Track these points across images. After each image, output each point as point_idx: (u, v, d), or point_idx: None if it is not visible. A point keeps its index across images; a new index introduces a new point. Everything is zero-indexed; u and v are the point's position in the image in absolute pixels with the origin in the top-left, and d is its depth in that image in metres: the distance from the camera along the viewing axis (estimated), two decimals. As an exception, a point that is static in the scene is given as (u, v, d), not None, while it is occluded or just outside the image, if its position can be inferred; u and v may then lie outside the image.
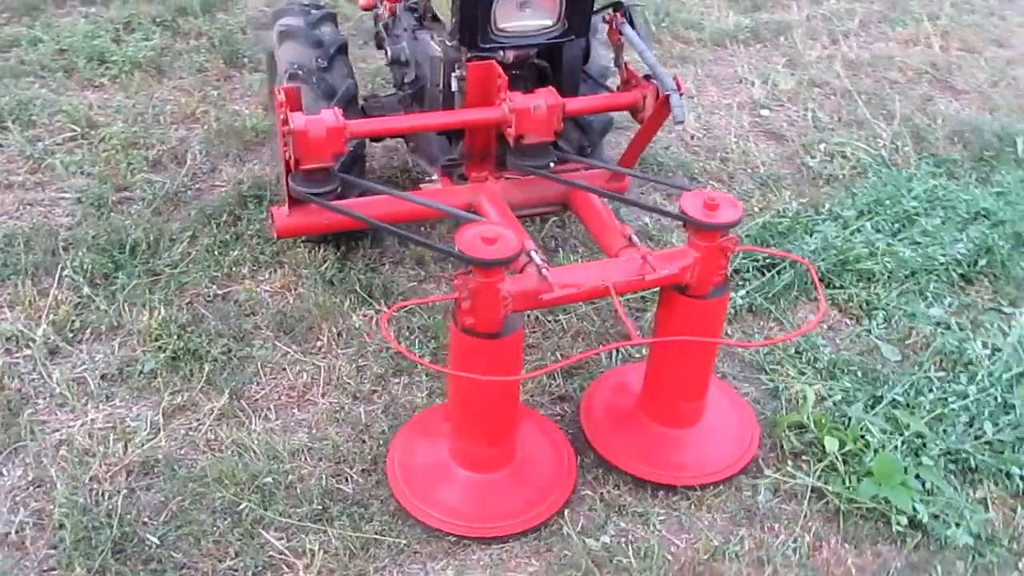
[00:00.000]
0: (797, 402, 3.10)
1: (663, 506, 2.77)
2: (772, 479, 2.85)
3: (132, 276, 3.45)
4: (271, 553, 2.55)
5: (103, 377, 3.10)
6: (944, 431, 2.99)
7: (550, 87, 2.67)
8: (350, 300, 3.43)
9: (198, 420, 2.97)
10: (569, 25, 2.76)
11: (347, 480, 2.79)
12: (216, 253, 3.61)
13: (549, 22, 2.75)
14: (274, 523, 2.64)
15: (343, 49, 3.30)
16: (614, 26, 2.84)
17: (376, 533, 2.63)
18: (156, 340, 3.20)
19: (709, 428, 2.90)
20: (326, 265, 3.56)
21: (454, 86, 2.79)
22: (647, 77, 2.82)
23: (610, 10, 2.84)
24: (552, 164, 2.73)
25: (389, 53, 3.10)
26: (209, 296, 3.44)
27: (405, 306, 2.99)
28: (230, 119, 4.45)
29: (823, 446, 2.90)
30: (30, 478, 2.73)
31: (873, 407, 3.08)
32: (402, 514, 2.67)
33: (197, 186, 4.04)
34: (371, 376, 3.15)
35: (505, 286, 2.39)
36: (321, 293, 3.45)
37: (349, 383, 3.12)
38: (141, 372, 3.10)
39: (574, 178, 2.91)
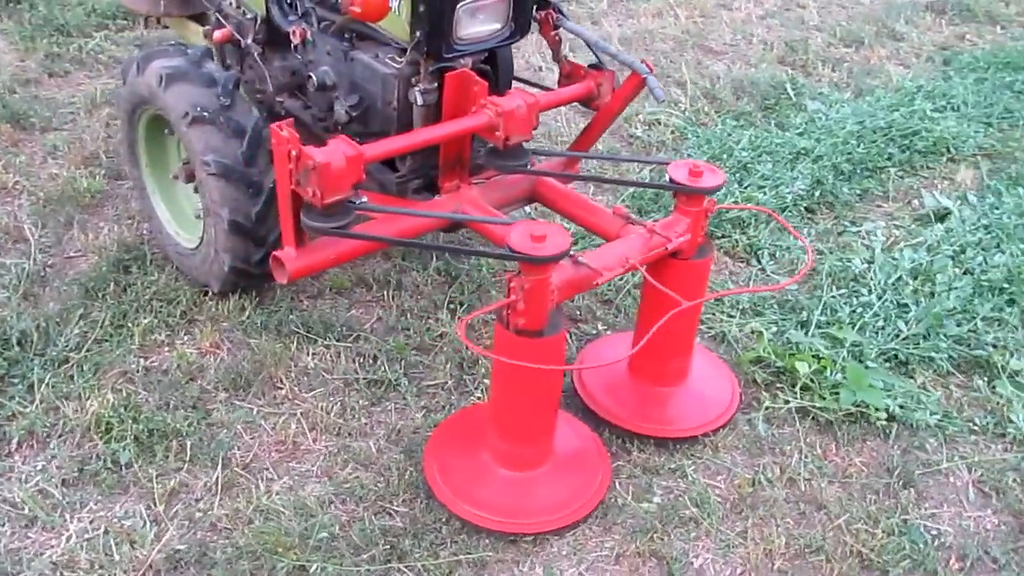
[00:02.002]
0: (742, 342, 3.40)
1: (687, 457, 2.94)
2: (763, 411, 3.12)
3: (37, 370, 3.05)
4: (363, 605, 2.43)
5: (65, 483, 2.75)
6: (871, 336, 3.42)
7: (518, 88, 2.73)
8: (295, 342, 3.27)
9: (199, 499, 2.73)
10: (515, 27, 2.83)
11: (394, 514, 2.70)
12: (120, 326, 3.28)
13: (499, 25, 2.80)
14: (353, 574, 2.51)
15: (237, 84, 3.13)
16: (549, 23, 2.94)
17: (454, 554, 2.58)
18: (109, 431, 2.88)
19: (698, 380, 3.11)
20: (248, 313, 3.36)
21: (420, 101, 2.76)
22: (593, 66, 2.96)
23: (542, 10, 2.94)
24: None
25: (314, 79, 2.98)
26: (137, 371, 3.13)
27: (479, 314, 2.86)
28: (53, 185, 4.01)
29: (791, 372, 3.22)
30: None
31: (806, 331, 3.44)
32: (470, 527, 2.64)
33: (51, 262, 3.62)
34: (356, 410, 3.04)
35: (553, 281, 2.44)
36: (261, 341, 3.26)
37: (337, 422, 3.00)
38: (109, 467, 2.78)
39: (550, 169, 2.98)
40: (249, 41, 3.33)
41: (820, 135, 4.74)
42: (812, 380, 3.19)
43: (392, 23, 2.70)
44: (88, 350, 3.17)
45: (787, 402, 3.14)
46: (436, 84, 2.77)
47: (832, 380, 3.18)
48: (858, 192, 4.44)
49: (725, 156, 4.50)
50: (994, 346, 3.45)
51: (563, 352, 2.62)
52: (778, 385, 3.23)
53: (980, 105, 5.32)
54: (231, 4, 3.39)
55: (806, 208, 4.27)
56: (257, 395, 3.08)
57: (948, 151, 4.85)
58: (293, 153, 2.33)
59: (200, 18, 3.97)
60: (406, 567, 2.54)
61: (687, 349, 3.05)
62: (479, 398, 3.12)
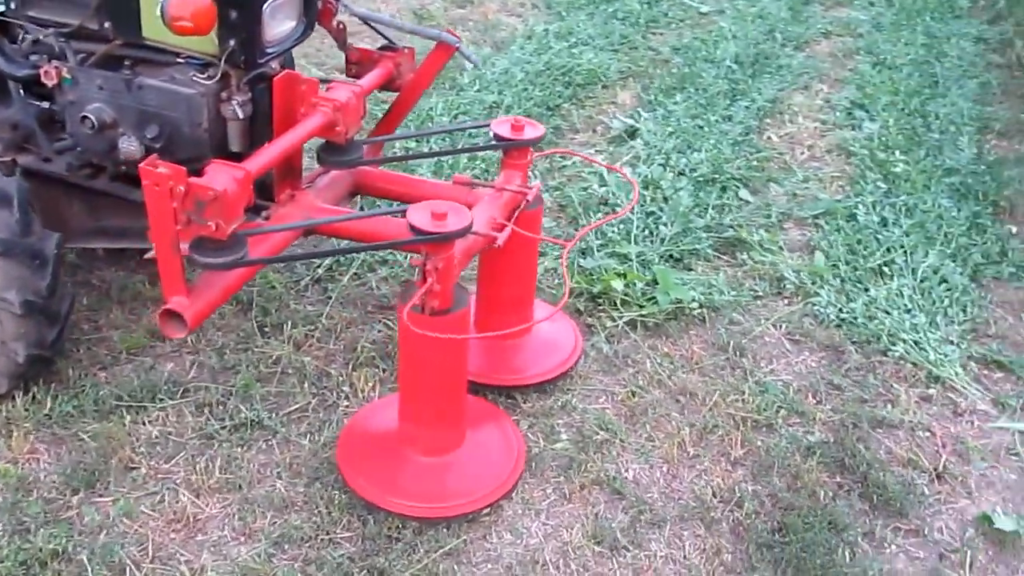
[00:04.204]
0: (544, 281, 3.61)
1: (565, 392, 3.11)
2: (604, 334, 3.37)
3: None
4: None
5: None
6: (645, 246, 3.80)
7: (347, 79, 2.65)
8: (125, 415, 2.91)
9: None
10: (306, 23, 2.73)
11: (347, 540, 2.57)
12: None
13: (294, 23, 2.68)
14: None
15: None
16: (330, 12, 2.86)
17: (427, 552, 2.53)
18: None
19: (543, 327, 3.26)
20: (49, 405, 2.92)
21: (240, 115, 2.55)
22: (385, 48, 2.94)
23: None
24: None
25: (92, 120, 2.61)
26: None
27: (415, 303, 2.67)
28: None
29: (607, 292, 3.50)
30: None
31: (591, 257, 3.74)
32: (427, 523, 2.60)
33: None
34: (233, 460, 2.81)
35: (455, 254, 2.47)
36: (87, 427, 2.87)
37: (222, 479, 2.75)
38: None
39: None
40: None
41: (499, 88, 5.05)
42: (627, 295, 3.50)
43: (192, 42, 2.48)
44: None
45: (619, 319, 3.42)
46: (251, 95, 2.60)
47: (639, 290, 3.51)
48: (552, 130, 4.81)
49: (431, 124, 4.64)
50: (733, 227, 4.01)
51: (468, 324, 2.65)
52: (601, 308, 3.49)
53: (601, 36, 5.97)
54: None
55: (442, 151, 4.49)
56: (116, 483, 2.72)
57: (600, 79, 5.41)
58: (180, 189, 2.09)
59: None
60: (395, 581, 2.45)
61: (530, 295, 3.20)
62: (347, 407, 3.02)
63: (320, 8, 2.84)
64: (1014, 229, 4.09)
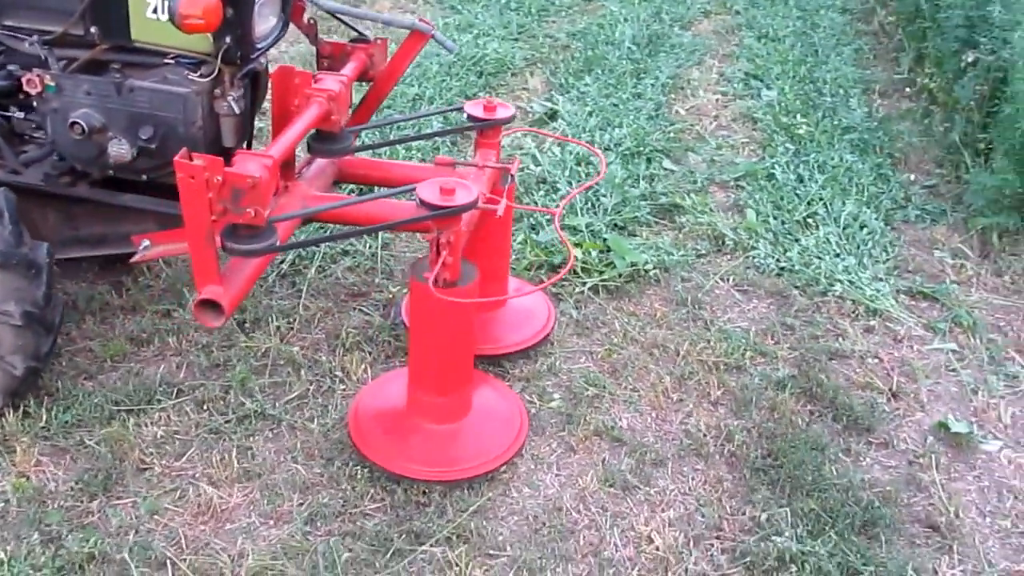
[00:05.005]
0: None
1: (547, 356, 3.29)
2: (572, 300, 3.56)
3: None
4: None
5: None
6: (591, 217, 4.02)
7: (328, 70, 2.74)
8: (127, 419, 2.93)
9: None
10: (284, 20, 2.80)
11: (377, 511, 2.68)
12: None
13: (275, 20, 2.75)
14: (399, 571, 2.49)
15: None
16: (300, 8, 2.94)
17: (459, 511, 2.67)
18: (9, 590, 2.40)
19: (516, 300, 3.44)
20: (44, 418, 2.91)
21: (236, 110, 2.61)
22: (356, 40, 3.03)
23: None
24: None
25: (82, 125, 2.60)
26: (-28, 526, 2.59)
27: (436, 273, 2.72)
28: None
29: (566, 260, 3.70)
30: None
31: (541, 232, 3.93)
32: (450, 485, 2.73)
33: None
34: (247, 450, 2.87)
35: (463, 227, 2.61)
36: (91, 434, 2.87)
37: (239, 468, 2.81)
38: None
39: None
40: None
41: (418, 81, 5.18)
42: (586, 263, 3.71)
43: (185, 37, 2.53)
44: None
45: (583, 286, 3.62)
46: (243, 90, 2.67)
47: (598, 256, 3.73)
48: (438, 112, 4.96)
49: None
50: (665, 194, 4.27)
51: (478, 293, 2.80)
52: (564, 276, 3.69)
53: (500, 27, 6.17)
54: None
55: (451, 141, 4.70)
56: (133, 484, 2.74)
57: (508, 67, 5.61)
58: (217, 179, 2.17)
59: None
60: (434, 541, 2.57)
61: (507, 271, 3.36)
62: (344, 390, 3.12)
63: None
64: (912, 177, 4.51)
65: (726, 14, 6.77)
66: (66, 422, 2.90)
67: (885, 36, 6.38)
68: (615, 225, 4.01)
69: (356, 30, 3.09)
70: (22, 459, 2.78)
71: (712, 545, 2.63)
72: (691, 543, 2.63)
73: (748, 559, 2.56)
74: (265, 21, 2.69)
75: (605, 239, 3.81)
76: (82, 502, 2.68)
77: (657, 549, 2.60)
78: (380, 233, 3.79)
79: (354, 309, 3.49)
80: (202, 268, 2.30)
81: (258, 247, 2.29)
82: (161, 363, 3.18)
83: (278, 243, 2.35)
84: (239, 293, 2.40)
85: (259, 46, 2.67)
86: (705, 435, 2.98)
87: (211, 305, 2.34)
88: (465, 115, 3.03)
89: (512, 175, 2.99)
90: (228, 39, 2.53)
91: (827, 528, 2.64)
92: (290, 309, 3.45)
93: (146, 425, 2.93)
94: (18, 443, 2.83)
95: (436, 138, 4.37)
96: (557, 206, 3.67)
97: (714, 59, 5.95)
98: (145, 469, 2.80)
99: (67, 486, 2.72)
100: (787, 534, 2.62)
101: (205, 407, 3.00)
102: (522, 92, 5.37)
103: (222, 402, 3.03)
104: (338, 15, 3.05)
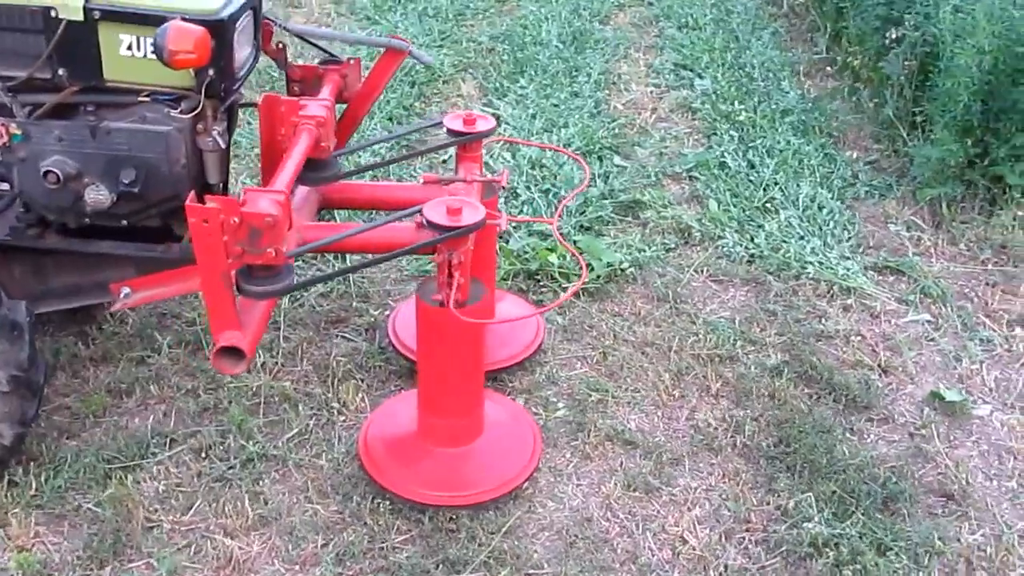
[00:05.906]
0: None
1: (542, 365, 3.27)
2: (559, 307, 3.55)
3: None
4: None
5: None
6: (560, 221, 4.01)
7: (318, 96, 2.66)
8: (124, 477, 2.79)
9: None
10: (257, 48, 2.71)
11: (407, 545, 2.62)
12: None
13: (250, 49, 2.66)
14: None
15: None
16: (269, 34, 2.84)
17: (490, 533, 2.62)
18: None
19: (503, 309, 3.40)
20: (35, 486, 2.75)
21: (221, 144, 2.50)
22: (327, 62, 2.94)
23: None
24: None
25: (57, 173, 2.45)
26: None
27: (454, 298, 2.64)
28: None
29: (544, 268, 3.68)
30: None
31: (511, 239, 3.91)
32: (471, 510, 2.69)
33: None
34: (257, 495, 2.77)
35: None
36: (86, 498, 2.73)
37: (255, 515, 2.71)
38: None
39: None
40: None
41: (355, 94, 5.07)
42: (562, 267, 3.69)
43: (167, 73, 2.41)
44: None
45: (562, 291, 3.61)
46: (226, 124, 2.57)
47: (573, 261, 3.72)
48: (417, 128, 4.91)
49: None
50: (624, 191, 4.29)
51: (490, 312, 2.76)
52: (542, 283, 3.67)
53: (422, 34, 6.09)
54: None
55: (407, 154, 4.61)
56: (145, 544, 2.62)
57: (439, 74, 5.55)
58: (234, 220, 2.07)
59: None
60: (473, 568, 2.52)
61: (493, 283, 3.32)
62: (344, 421, 3.04)
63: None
64: (854, 155, 4.64)
65: (640, 6, 6.83)
66: (58, 487, 2.75)
67: (796, 17, 6.55)
68: (581, 226, 4.01)
69: (327, 52, 3.00)
70: (18, 532, 2.62)
71: (744, 538, 2.65)
72: (723, 539, 2.65)
73: (783, 548, 2.59)
74: (242, 50, 2.59)
75: (576, 242, 3.80)
76: (92, 570, 2.55)
77: (693, 549, 2.61)
78: (348, 255, 3.70)
79: (337, 336, 3.40)
80: (219, 314, 2.20)
81: (278, 287, 2.21)
82: (147, 413, 3.04)
83: (294, 279, 2.26)
84: (257, 335, 2.31)
85: (238, 77, 2.57)
86: (714, 429, 3.01)
87: (230, 352, 2.24)
88: (445, 129, 2.97)
89: (503, 186, 2.96)
90: (211, 72, 2.43)
91: (852, 509, 2.69)
92: (270, 343, 3.33)
93: (145, 481, 2.80)
94: (11, 516, 2.66)
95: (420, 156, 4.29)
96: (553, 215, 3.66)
97: (638, 52, 5.99)
98: (153, 527, 2.67)
99: (73, 555, 2.58)
100: (816, 519, 2.66)
101: (204, 455, 2.89)
102: (457, 99, 5.31)
103: (221, 447, 2.91)
104: (309, 38, 2.96)
